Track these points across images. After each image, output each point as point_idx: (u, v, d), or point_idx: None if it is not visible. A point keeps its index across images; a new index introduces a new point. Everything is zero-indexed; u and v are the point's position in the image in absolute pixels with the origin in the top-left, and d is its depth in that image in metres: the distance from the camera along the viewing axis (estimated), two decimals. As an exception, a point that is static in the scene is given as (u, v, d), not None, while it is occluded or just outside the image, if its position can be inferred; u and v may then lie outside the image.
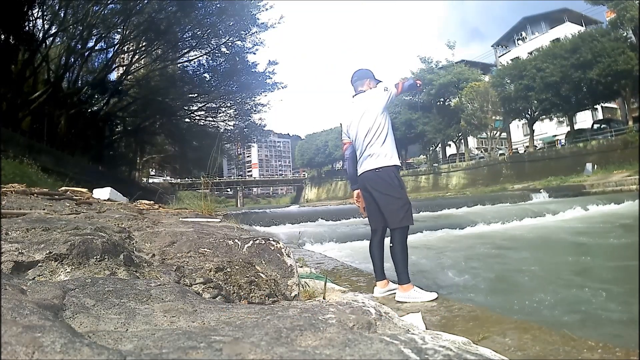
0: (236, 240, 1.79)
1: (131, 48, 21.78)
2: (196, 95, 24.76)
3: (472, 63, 38.23)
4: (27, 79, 16.21)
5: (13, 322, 0.63)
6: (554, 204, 11.52)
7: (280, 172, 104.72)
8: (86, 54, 19.51)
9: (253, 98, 24.82)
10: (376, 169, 2.37)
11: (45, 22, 16.85)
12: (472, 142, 40.31)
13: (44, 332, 0.61)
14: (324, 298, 1.63)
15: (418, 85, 2.72)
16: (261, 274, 1.53)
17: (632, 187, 15.07)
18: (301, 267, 2.81)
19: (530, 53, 29.78)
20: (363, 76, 2.61)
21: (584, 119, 30.47)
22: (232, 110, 26.06)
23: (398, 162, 2.40)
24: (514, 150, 32.21)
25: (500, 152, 32.41)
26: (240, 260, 1.59)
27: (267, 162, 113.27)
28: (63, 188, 4.36)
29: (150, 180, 38.42)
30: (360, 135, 2.48)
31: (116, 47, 20.56)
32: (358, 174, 2.49)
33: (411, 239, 2.40)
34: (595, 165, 21.39)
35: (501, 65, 32.05)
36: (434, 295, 2.19)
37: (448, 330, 1.37)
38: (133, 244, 1.71)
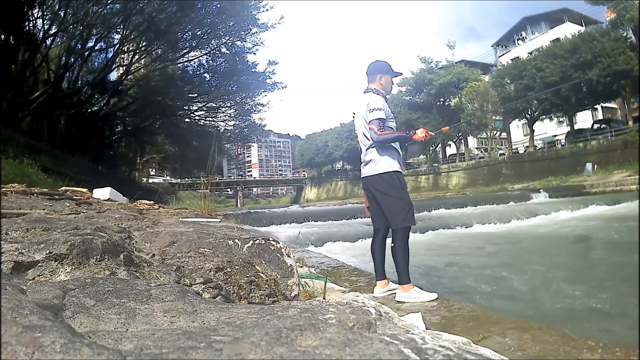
0: (236, 240, 1.79)
1: (131, 48, 21.75)
2: (196, 95, 24.72)
3: (472, 63, 38.28)
4: (27, 79, 16.20)
5: (13, 322, 0.63)
6: (554, 204, 11.53)
7: (280, 172, 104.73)
8: (86, 54, 19.50)
9: (253, 98, 24.81)
10: (376, 174, 2.37)
11: (45, 22, 16.83)
12: (472, 142, 40.34)
13: (44, 332, 0.61)
14: (324, 298, 1.63)
15: (418, 139, 2.37)
16: (261, 274, 1.53)
17: (632, 187, 15.08)
18: (301, 267, 2.81)
19: (530, 53, 29.77)
20: (375, 71, 2.46)
21: (584, 119, 30.48)
22: (232, 110, 26.04)
23: (398, 168, 2.37)
24: (514, 150, 32.21)
25: (500, 152, 32.42)
26: (240, 260, 1.59)
27: (267, 162, 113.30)
28: (63, 188, 4.36)
29: (150, 180, 38.38)
30: (359, 137, 2.48)
31: (116, 47, 20.54)
32: (361, 176, 2.50)
33: (412, 239, 2.40)
34: (595, 165, 21.39)
35: (501, 65, 32.06)
36: (434, 295, 2.19)
37: (448, 330, 1.37)
38: (133, 244, 1.70)
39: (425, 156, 39.39)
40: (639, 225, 5.81)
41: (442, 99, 34.40)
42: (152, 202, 4.59)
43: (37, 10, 16.41)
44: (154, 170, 41.56)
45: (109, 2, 17.05)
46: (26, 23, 15.93)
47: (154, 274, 1.36)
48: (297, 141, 74.61)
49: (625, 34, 22.28)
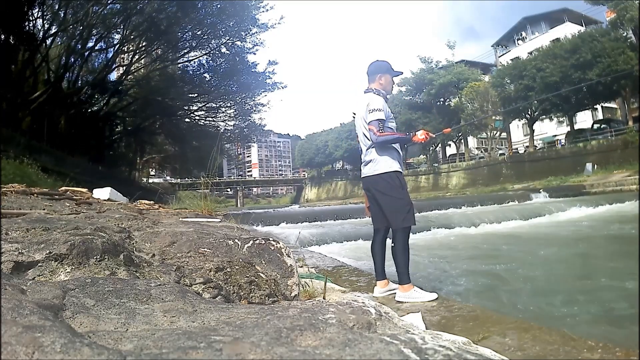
0: (236, 240, 1.79)
1: (131, 48, 21.74)
2: (196, 95, 24.72)
3: (472, 63, 38.32)
4: (27, 79, 16.18)
5: (13, 322, 0.63)
6: (554, 204, 11.53)
7: (280, 172, 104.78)
8: (86, 54, 19.48)
9: (253, 98, 24.80)
10: (376, 174, 2.37)
11: (45, 22, 16.82)
12: (472, 142, 40.33)
13: (44, 332, 0.61)
14: (324, 298, 1.63)
15: (418, 140, 2.37)
16: (261, 274, 1.53)
17: (632, 187, 15.08)
18: (301, 267, 2.81)
19: (530, 53, 29.78)
20: (375, 71, 2.46)
21: (584, 119, 30.48)
22: (232, 110, 26.03)
23: (398, 168, 2.37)
24: (514, 150, 32.21)
25: (500, 152, 32.43)
26: (240, 260, 1.59)
27: (267, 162, 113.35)
28: (63, 188, 4.36)
29: (150, 180, 38.36)
30: (360, 137, 2.49)
31: (116, 47, 20.53)
32: (361, 176, 2.50)
33: (412, 239, 2.40)
34: (595, 165, 21.39)
35: (501, 65, 32.06)
36: (434, 295, 2.19)
37: (448, 330, 1.37)
38: (133, 244, 1.71)
39: (425, 156, 39.42)
40: (639, 225, 5.81)
41: (442, 99, 34.41)
42: (152, 202, 4.59)
43: (37, 10, 16.40)
44: (154, 170, 41.51)
45: (109, 2, 17.03)
46: (26, 23, 15.92)
47: (154, 274, 1.36)
48: (297, 141, 74.71)
49: (625, 34, 22.28)
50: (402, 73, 2.61)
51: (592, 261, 4.52)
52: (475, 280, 3.73)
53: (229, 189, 69.94)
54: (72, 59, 18.54)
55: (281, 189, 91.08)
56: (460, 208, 11.97)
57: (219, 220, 3.27)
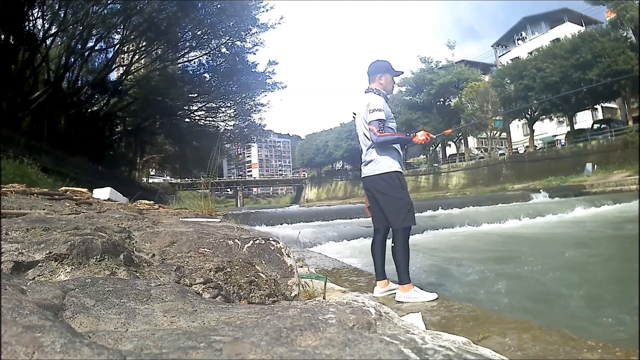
0: (236, 240, 1.79)
1: (131, 48, 21.77)
2: (196, 95, 24.74)
3: (472, 63, 38.33)
4: (27, 79, 16.19)
5: (13, 322, 0.63)
6: (554, 204, 11.52)
7: (280, 172, 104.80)
8: (86, 54, 19.51)
9: (253, 98, 24.82)
10: (376, 174, 2.37)
11: (45, 22, 16.85)
12: (472, 142, 40.35)
13: (44, 332, 0.61)
14: (324, 298, 1.63)
15: (418, 141, 2.37)
16: (261, 274, 1.53)
17: (632, 187, 15.09)
18: (301, 267, 2.81)
19: (530, 53, 29.79)
20: (375, 71, 2.46)
21: (584, 119, 30.50)
22: (232, 110, 26.05)
23: (398, 168, 2.37)
24: (514, 150, 32.22)
25: (500, 152, 32.43)
26: (240, 260, 1.59)
27: (267, 162, 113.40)
28: (63, 188, 4.36)
29: (150, 180, 38.34)
30: (360, 137, 2.49)
31: (116, 47, 20.54)
32: (361, 176, 2.50)
33: (412, 239, 2.40)
34: (595, 165, 21.40)
35: (501, 65, 32.06)
36: (434, 295, 2.19)
37: (448, 330, 1.37)
38: (133, 244, 1.70)
39: (425, 156, 39.42)
40: (639, 225, 5.80)
41: (442, 99, 34.42)
42: (152, 202, 4.58)
43: (37, 10, 16.42)
44: (154, 170, 41.50)
45: (109, 2, 17.05)
46: (26, 23, 15.93)
47: (154, 274, 1.36)
48: (297, 141, 74.79)
49: (625, 34, 22.29)
50: (402, 73, 2.61)
51: (599, 261, 4.52)
52: (475, 280, 3.73)
53: (229, 189, 69.93)
54: (72, 59, 18.55)
55: (281, 189, 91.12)
56: (459, 208, 11.96)
57: (219, 220, 3.27)
